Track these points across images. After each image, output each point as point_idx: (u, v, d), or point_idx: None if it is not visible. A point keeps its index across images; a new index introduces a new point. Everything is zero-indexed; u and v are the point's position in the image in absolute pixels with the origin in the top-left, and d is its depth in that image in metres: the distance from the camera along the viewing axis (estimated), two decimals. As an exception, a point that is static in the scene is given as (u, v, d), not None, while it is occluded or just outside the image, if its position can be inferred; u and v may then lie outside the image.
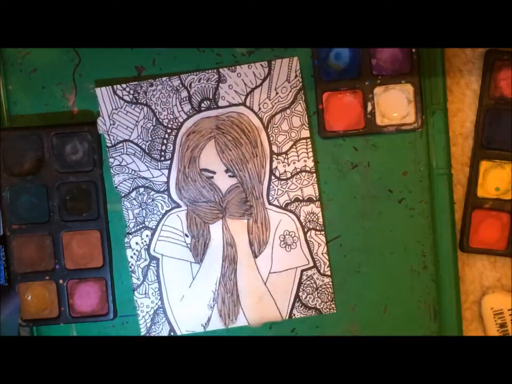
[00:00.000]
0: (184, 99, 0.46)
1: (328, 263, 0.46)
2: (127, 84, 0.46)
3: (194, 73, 0.45)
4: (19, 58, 0.46)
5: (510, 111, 0.45)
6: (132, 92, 0.46)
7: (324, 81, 0.45)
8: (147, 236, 0.47)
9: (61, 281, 0.46)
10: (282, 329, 0.47)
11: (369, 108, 0.45)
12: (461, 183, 0.47)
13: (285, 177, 0.46)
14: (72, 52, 0.46)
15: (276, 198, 0.46)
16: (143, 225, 0.46)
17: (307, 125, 0.46)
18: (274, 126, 0.46)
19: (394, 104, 0.45)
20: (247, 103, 0.46)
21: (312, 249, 0.46)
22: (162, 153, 0.46)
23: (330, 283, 0.46)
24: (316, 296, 0.46)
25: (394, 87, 0.45)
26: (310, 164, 0.46)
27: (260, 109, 0.46)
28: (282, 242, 0.46)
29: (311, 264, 0.46)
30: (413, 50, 0.44)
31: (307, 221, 0.46)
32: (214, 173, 0.46)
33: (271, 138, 0.46)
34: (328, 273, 0.46)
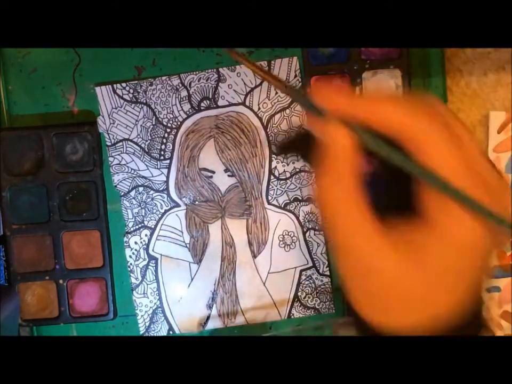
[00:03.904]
0: (184, 98, 0.46)
1: (327, 263, 0.46)
2: (127, 83, 0.46)
3: (194, 73, 0.45)
4: (19, 58, 0.46)
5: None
6: (131, 91, 0.46)
7: (313, 65, 0.45)
8: (146, 235, 0.47)
9: (61, 281, 0.46)
10: (281, 329, 0.47)
11: (357, 92, 0.45)
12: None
13: (284, 177, 0.46)
14: (72, 52, 0.46)
15: (275, 197, 0.46)
16: (142, 224, 0.46)
17: (306, 125, 0.45)
18: (273, 125, 0.46)
19: (382, 88, 0.45)
20: (247, 103, 0.46)
21: (311, 249, 0.46)
22: (162, 153, 0.46)
23: (329, 283, 0.46)
24: (315, 296, 0.46)
25: (383, 71, 0.45)
26: (310, 163, 0.46)
27: (259, 108, 0.46)
28: (281, 242, 0.46)
29: (310, 264, 0.46)
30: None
31: (306, 220, 0.46)
32: (213, 172, 0.46)
33: (271, 138, 0.46)
34: (327, 273, 0.46)
